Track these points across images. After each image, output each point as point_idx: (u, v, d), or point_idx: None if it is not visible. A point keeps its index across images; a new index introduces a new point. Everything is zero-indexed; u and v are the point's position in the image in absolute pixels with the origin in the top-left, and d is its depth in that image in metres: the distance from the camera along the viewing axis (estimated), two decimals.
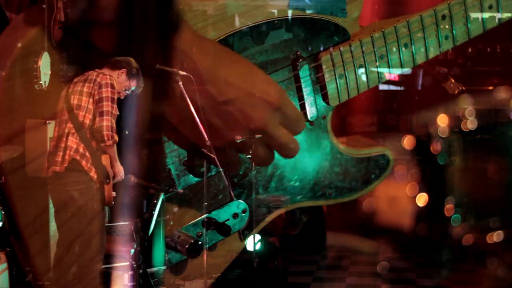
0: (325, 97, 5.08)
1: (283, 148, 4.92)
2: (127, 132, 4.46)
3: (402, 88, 7.75)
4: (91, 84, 4.20)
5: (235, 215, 4.98)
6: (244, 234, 5.07)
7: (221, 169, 4.76)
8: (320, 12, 5.00)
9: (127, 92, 4.33)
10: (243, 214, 5.00)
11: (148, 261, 4.63)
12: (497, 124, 6.03)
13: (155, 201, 4.60)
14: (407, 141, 6.20)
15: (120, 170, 4.25)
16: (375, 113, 7.84)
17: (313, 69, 5.03)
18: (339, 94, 5.08)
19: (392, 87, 7.76)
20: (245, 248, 5.15)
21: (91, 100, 4.17)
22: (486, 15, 5.19)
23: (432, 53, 5.21)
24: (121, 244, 4.48)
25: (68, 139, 4.15)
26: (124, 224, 4.63)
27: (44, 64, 4.53)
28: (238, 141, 4.74)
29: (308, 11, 5.00)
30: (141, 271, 4.46)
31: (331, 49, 5.04)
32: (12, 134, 4.49)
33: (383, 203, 6.49)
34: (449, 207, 5.87)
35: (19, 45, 4.48)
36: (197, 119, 4.51)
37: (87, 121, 4.17)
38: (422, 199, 6.16)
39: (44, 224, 4.44)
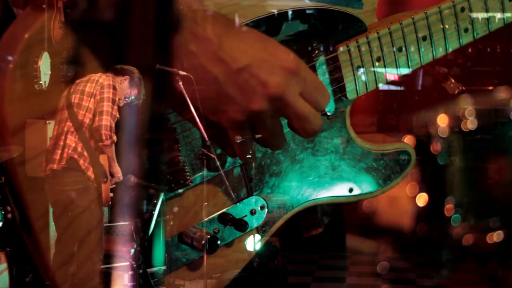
0: (342, 90, 5.02)
1: (302, 121, 4.74)
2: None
3: (402, 88, 7.75)
4: (93, 84, 4.23)
5: (252, 211, 4.94)
6: (262, 231, 5.02)
7: (221, 171, 4.75)
8: (335, 3, 4.95)
9: (127, 100, 4.36)
10: (261, 211, 4.96)
11: (148, 261, 4.63)
12: (497, 124, 6.04)
13: (155, 201, 4.59)
14: (407, 141, 6.20)
15: (118, 171, 4.26)
16: (375, 113, 7.84)
17: (329, 61, 4.99)
18: (357, 87, 5.03)
19: (392, 87, 7.76)
20: (245, 248, 5.15)
21: (92, 99, 4.19)
22: (507, 7, 5.13)
23: (452, 46, 5.13)
24: (121, 244, 4.48)
25: (67, 138, 4.18)
26: (124, 224, 4.63)
27: (44, 64, 4.53)
28: (238, 141, 4.72)
29: (323, 2, 4.96)
30: (141, 271, 4.47)
31: (348, 41, 5.00)
32: (21, 124, 4.50)
33: (383, 203, 6.49)
34: (449, 207, 5.87)
35: (26, 35, 4.49)
36: (197, 119, 4.51)
37: (87, 120, 4.19)
38: (422, 199, 6.16)
39: (46, 224, 4.45)
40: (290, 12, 4.89)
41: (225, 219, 4.85)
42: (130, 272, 4.40)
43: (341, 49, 4.97)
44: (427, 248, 6.20)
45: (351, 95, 5.03)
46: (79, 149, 4.17)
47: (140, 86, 4.37)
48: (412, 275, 6.05)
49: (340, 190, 5.14)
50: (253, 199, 4.94)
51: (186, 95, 4.50)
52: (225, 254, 4.93)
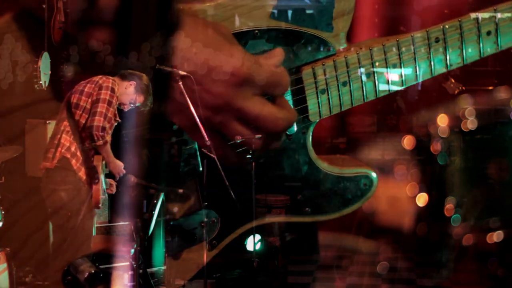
0: (305, 112, 4.99)
1: (261, 120, 4.69)
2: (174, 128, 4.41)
3: (402, 88, 7.74)
4: (93, 85, 4.24)
5: (203, 224, 4.87)
6: (212, 244, 4.97)
7: (221, 169, 4.75)
8: (304, 25, 4.92)
9: (132, 106, 4.36)
10: (212, 224, 4.91)
11: (148, 261, 4.63)
12: (497, 124, 6.03)
13: (155, 201, 4.59)
14: (407, 141, 6.19)
15: (117, 166, 4.25)
16: (375, 113, 7.83)
17: (293, 82, 4.95)
18: (320, 110, 4.99)
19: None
20: (245, 248, 5.14)
21: (89, 100, 4.20)
22: (484, 41, 5.07)
23: (423, 76, 5.09)
24: (121, 244, 4.48)
25: (62, 137, 4.20)
26: (124, 224, 4.63)
27: (44, 64, 4.53)
28: (238, 141, 4.72)
29: (291, 23, 4.92)
30: (141, 271, 4.47)
31: (314, 63, 4.95)
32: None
33: (383, 203, 6.48)
34: (449, 207, 5.86)
35: None
36: (197, 119, 4.51)
37: (83, 121, 4.20)
38: (422, 199, 6.15)
39: (44, 223, 4.46)
40: (255, 31, 4.85)
41: (173, 230, 4.82)
42: (130, 272, 4.40)
43: (306, 71, 4.92)
44: (427, 248, 6.20)
45: (313, 117, 4.98)
46: (72, 149, 4.18)
47: (147, 92, 4.35)
48: (412, 275, 6.05)
49: (295, 210, 5.10)
50: (204, 212, 4.87)
51: (186, 95, 4.50)
52: (175, 265, 4.90)
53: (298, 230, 5.93)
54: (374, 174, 5.14)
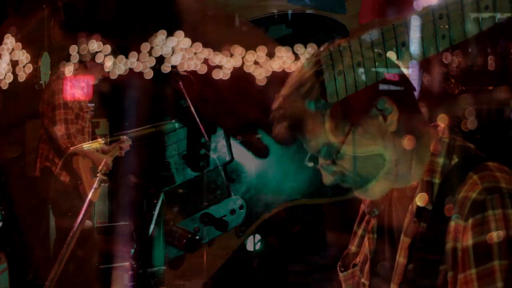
0: (323, 94, 5.04)
1: None
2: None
3: (402, 88, 7.74)
4: (48, 91, 4.24)
5: (232, 211, 4.95)
6: (241, 230, 5.04)
7: (219, 165, 4.76)
8: (320, 8, 4.98)
9: (100, 78, 4.35)
10: (240, 211, 4.98)
11: (148, 261, 4.63)
12: (497, 124, 6.03)
13: (155, 201, 4.59)
14: (407, 141, 6.18)
15: (103, 163, 4.22)
16: None
17: (312, 65, 5.01)
18: (337, 91, 5.04)
19: (392, 87, 7.74)
20: (245, 248, 5.14)
21: (49, 107, 4.21)
22: (483, 14, 5.14)
23: (429, 52, 5.15)
24: (121, 244, 4.48)
25: (39, 146, 4.23)
26: (124, 224, 4.63)
27: (44, 64, 4.53)
28: (238, 141, 4.73)
29: (308, 7, 4.99)
30: (141, 271, 4.47)
31: (330, 44, 5.01)
32: None
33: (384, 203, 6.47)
34: (449, 207, 5.86)
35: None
36: (197, 119, 4.51)
37: (50, 129, 4.20)
38: (422, 199, 6.15)
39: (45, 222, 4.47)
40: (275, 16, 4.92)
41: (206, 218, 4.86)
42: (130, 272, 4.41)
43: (323, 53, 4.97)
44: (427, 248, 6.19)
45: (331, 98, 5.02)
46: (50, 156, 4.21)
47: (109, 62, 4.33)
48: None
49: (317, 191, 5.14)
50: (233, 199, 4.94)
51: (186, 95, 4.50)
52: (206, 253, 4.94)
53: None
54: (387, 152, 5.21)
